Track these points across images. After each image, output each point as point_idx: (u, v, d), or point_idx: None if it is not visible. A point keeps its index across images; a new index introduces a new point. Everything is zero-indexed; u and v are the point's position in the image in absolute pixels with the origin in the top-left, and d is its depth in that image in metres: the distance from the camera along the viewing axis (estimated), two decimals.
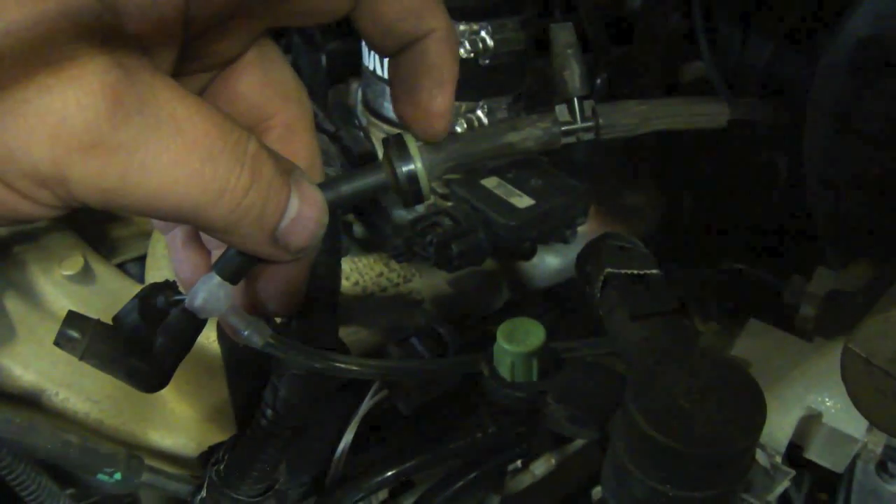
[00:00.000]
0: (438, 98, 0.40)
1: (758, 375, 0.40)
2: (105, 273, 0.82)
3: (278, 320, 0.54)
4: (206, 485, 0.61)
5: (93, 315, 0.41)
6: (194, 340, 0.43)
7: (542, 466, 0.74)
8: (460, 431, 0.67)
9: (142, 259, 0.86)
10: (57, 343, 0.40)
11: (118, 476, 0.63)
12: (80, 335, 0.40)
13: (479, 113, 0.79)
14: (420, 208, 0.76)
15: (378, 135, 0.82)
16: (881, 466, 0.71)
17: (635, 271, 0.49)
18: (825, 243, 0.64)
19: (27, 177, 0.28)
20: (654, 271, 0.49)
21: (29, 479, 0.62)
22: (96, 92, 0.27)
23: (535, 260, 0.80)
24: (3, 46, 0.26)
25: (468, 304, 0.81)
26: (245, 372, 0.65)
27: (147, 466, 0.65)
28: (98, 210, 0.30)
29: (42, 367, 0.72)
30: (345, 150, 0.76)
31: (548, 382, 0.46)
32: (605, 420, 0.43)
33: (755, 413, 0.38)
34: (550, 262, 0.85)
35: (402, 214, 0.76)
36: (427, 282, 0.81)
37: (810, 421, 0.64)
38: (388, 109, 0.81)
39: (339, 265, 0.58)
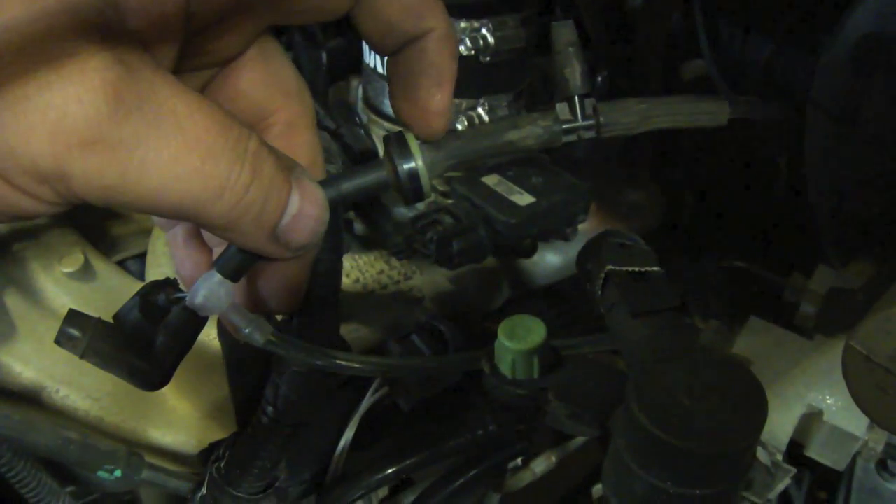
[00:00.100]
0: (437, 97, 0.40)
1: (759, 373, 0.40)
2: (105, 270, 0.82)
3: (279, 318, 0.54)
4: (206, 482, 0.61)
5: (93, 312, 0.41)
6: (195, 338, 0.43)
7: (542, 464, 0.74)
8: (461, 429, 0.67)
9: (142, 256, 0.86)
10: (58, 342, 0.40)
11: (118, 473, 0.63)
12: (81, 334, 0.40)
13: (480, 110, 0.79)
14: (421, 206, 0.76)
15: (379, 132, 0.82)
16: (881, 465, 0.71)
17: (636, 269, 0.49)
18: (826, 241, 0.64)
19: (27, 173, 0.28)
20: (655, 269, 0.49)
21: (29, 476, 0.62)
22: (97, 88, 0.27)
23: (535, 257, 0.80)
24: (4, 42, 0.26)
25: (469, 302, 0.81)
26: (246, 369, 0.65)
27: (147, 464, 0.65)
28: (98, 207, 0.30)
29: (42, 365, 0.72)
30: (346, 147, 0.76)
31: (549, 380, 0.46)
32: (605, 417, 0.43)
33: (756, 411, 0.38)
34: (551, 260, 0.85)
35: (402, 212, 0.76)
36: (428, 279, 0.81)
37: (811, 419, 0.64)
38: (389, 107, 0.81)
39: (341, 263, 0.58)
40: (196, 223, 0.34)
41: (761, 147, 0.82)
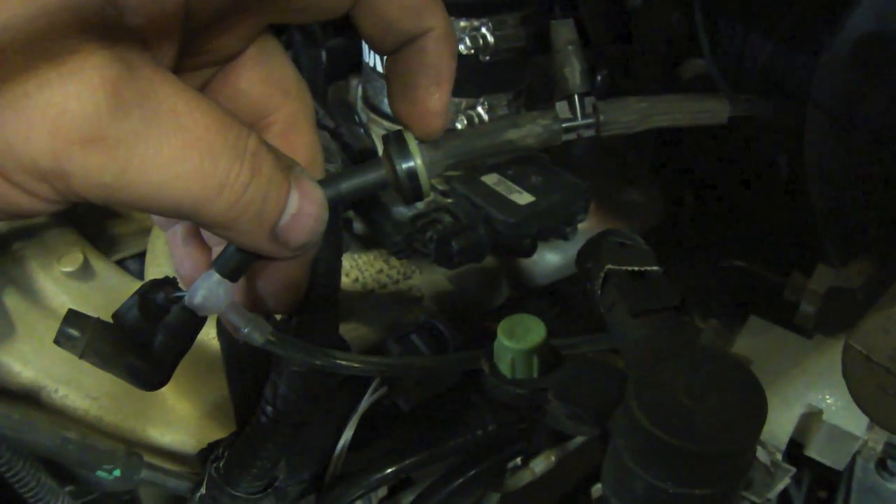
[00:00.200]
0: (436, 96, 0.40)
1: (758, 373, 0.40)
2: (104, 269, 0.82)
3: (278, 317, 0.54)
4: (205, 482, 0.61)
5: (92, 312, 0.41)
6: (194, 338, 0.43)
7: (542, 464, 0.74)
8: (460, 428, 0.67)
9: (141, 255, 0.86)
10: (57, 342, 0.40)
11: (117, 473, 0.63)
12: (81, 334, 0.40)
13: (480, 109, 0.79)
14: (420, 205, 0.76)
15: (378, 131, 0.82)
16: (881, 464, 0.71)
17: (636, 268, 0.49)
18: (826, 240, 0.64)
19: (27, 171, 0.28)
20: (655, 268, 0.49)
21: (28, 475, 0.62)
22: (97, 86, 0.27)
23: (535, 257, 0.80)
24: (4, 40, 0.26)
25: (468, 301, 0.81)
26: (245, 369, 0.65)
27: (146, 463, 0.65)
28: (98, 206, 0.30)
29: (41, 364, 0.72)
30: (345, 146, 0.76)
31: (548, 379, 0.46)
32: (605, 417, 0.43)
33: (756, 410, 0.38)
34: (551, 259, 0.85)
35: (402, 211, 0.76)
36: (427, 278, 0.81)
37: (811, 418, 0.64)
38: (388, 106, 0.81)
39: (340, 262, 0.58)
40: (195, 222, 0.34)
41: (761, 146, 0.82)
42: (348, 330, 0.74)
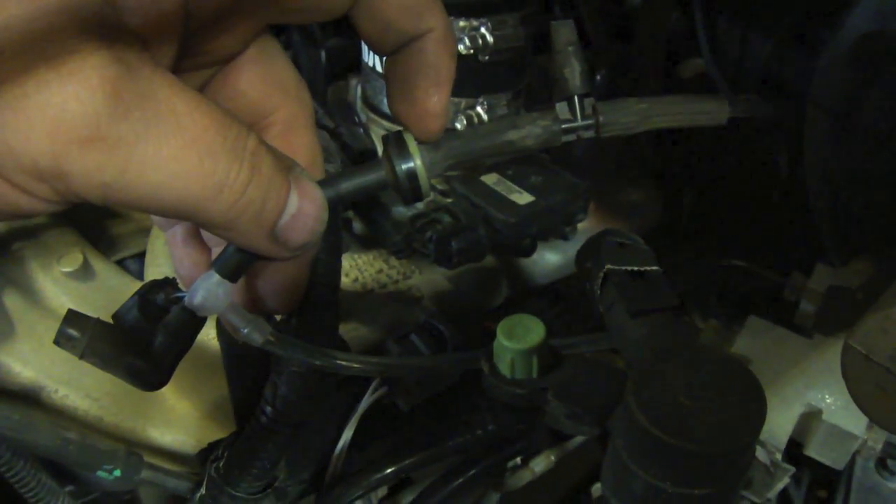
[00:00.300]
0: (435, 97, 0.40)
1: (758, 372, 0.40)
2: (104, 270, 0.82)
3: (278, 317, 0.54)
4: (205, 482, 0.61)
5: (92, 312, 0.41)
6: (194, 338, 0.43)
7: (541, 463, 0.74)
8: (460, 428, 0.67)
9: (141, 256, 0.86)
10: (57, 342, 0.40)
11: (117, 473, 0.63)
12: (80, 334, 0.40)
13: (479, 109, 0.79)
14: (420, 205, 0.76)
15: (378, 131, 0.82)
16: (881, 463, 0.71)
17: (635, 268, 0.49)
18: (825, 240, 0.64)
19: (26, 171, 0.28)
20: (654, 268, 0.49)
21: (28, 475, 0.62)
22: (96, 87, 0.27)
23: (534, 257, 0.80)
24: (3, 41, 0.26)
25: (468, 301, 0.81)
26: (245, 369, 0.65)
27: (146, 463, 0.65)
28: (97, 206, 0.30)
29: (41, 364, 0.72)
30: (344, 146, 0.76)
31: (548, 379, 0.46)
32: (605, 417, 0.43)
33: (755, 410, 0.38)
34: (550, 259, 0.85)
35: (401, 211, 0.76)
36: (427, 278, 0.81)
37: (810, 418, 0.64)
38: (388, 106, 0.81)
39: (339, 262, 0.58)
40: (195, 222, 0.34)
41: (761, 146, 0.82)
42: (348, 330, 0.74)
